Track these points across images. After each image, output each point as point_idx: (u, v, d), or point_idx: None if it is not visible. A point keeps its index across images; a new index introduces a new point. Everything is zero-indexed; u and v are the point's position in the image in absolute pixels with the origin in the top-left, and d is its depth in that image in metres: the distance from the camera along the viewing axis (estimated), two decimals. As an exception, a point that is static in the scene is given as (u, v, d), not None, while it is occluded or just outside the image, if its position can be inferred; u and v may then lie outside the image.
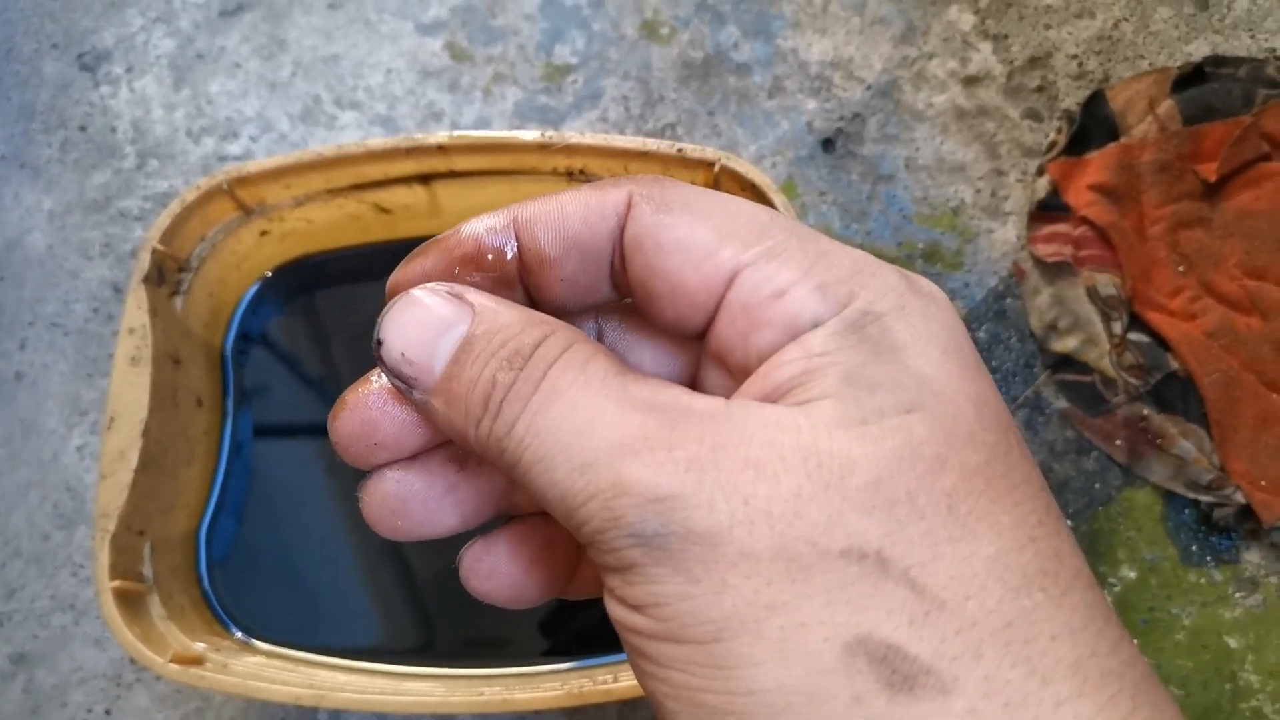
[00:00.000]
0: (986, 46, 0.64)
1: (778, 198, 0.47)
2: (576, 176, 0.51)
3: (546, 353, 0.17)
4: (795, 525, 0.15)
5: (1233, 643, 0.54)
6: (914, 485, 0.15)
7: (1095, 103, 0.61)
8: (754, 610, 0.14)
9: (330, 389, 0.55)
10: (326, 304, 0.55)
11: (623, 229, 0.18)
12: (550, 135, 0.49)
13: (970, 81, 0.63)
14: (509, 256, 0.19)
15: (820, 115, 0.63)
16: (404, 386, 0.18)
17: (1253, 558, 0.55)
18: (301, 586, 0.52)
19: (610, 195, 0.18)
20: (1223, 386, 0.55)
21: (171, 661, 0.42)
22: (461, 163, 0.50)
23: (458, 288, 0.18)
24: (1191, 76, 0.61)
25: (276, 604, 0.51)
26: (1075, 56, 0.63)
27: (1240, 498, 0.54)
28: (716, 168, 0.48)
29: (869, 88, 0.63)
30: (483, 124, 0.63)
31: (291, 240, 0.53)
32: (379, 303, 0.19)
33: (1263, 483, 0.54)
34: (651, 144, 0.49)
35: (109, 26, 0.67)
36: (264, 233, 0.52)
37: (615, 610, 0.16)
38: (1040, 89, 0.63)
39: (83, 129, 0.65)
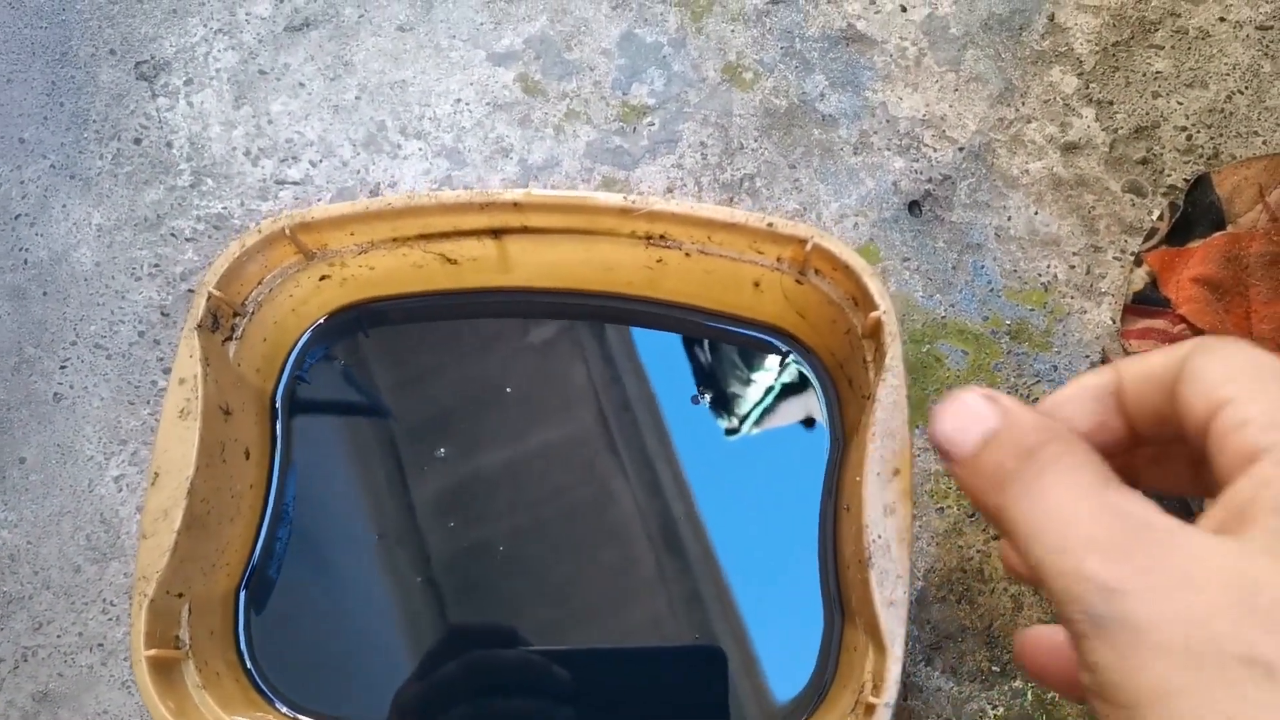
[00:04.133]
0: (1089, 112, 0.60)
1: (873, 283, 0.44)
2: (655, 241, 0.48)
3: (1047, 454, 0.22)
4: (1204, 630, 0.18)
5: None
6: None
7: (1200, 188, 0.57)
8: (1161, 691, 0.18)
9: (380, 437, 0.52)
10: (381, 351, 0.53)
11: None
12: (633, 200, 0.46)
13: (1070, 149, 0.60)
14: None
15: (908, 175, 0.60)
16: (943, 457, 0.24)
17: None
18: (341, 651, 0.49)
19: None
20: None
21: (206, 742, 0.40)
22: (536, 220, 0.48)
23: (992, 392, 0.23)
24: (1308, 160, 0.57)
25: (314, 669, 0.48)
26: (1184, 129, 0.60)
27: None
28: (808, 246, 0.45)
29: (961, 149, 0.60)
30: (552, 163, 0.60)
31: (351, 286, 0.51)
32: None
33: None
34: (740, 215, 0.46)
35: (169, 35, 0.64)
36: (324, 277, 0.50)
37: (1078, 661, 0.21)
38: (1144, 161, 0.59)
39: (137, 141, 0.62)
